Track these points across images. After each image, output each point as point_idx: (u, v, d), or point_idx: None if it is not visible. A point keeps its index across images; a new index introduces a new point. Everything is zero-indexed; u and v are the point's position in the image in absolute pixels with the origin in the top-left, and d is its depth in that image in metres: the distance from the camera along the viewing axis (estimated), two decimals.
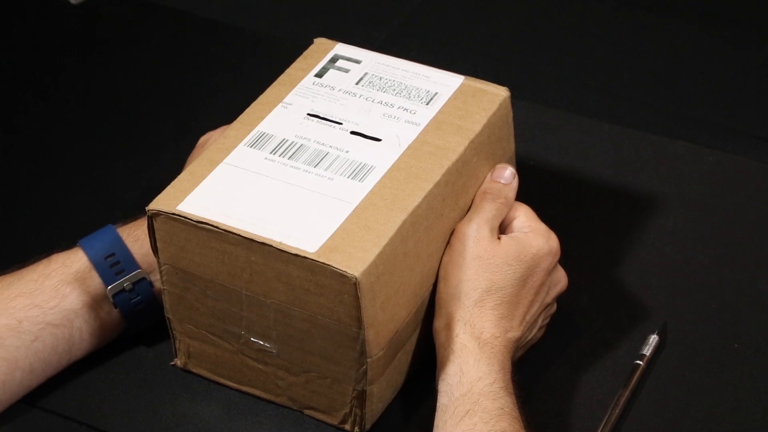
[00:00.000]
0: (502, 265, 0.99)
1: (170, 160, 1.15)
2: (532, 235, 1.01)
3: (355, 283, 0.91)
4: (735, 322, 1.08)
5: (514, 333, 0.99)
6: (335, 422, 1.00)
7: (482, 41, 1.41)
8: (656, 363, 1.05)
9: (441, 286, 0.99)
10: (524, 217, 1.03)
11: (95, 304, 1.02)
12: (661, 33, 1.42)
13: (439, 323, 0.99)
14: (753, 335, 1.07)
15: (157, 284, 1.03)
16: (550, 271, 1.02)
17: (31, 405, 1.03)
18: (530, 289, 1.00)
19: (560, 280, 1.04)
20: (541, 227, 1.02)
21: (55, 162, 1.26)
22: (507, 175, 1.04)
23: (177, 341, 1.03)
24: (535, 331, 1.03)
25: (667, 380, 1.04)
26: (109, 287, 1.02)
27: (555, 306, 1.05)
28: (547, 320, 1.05)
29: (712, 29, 1.42)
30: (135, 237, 1.03)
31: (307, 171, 0.98)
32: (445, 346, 0.97)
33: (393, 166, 0.99)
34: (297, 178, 0.98)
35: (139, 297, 1.03)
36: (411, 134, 1.01)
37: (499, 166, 1.04)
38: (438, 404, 0.96)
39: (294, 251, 0.93)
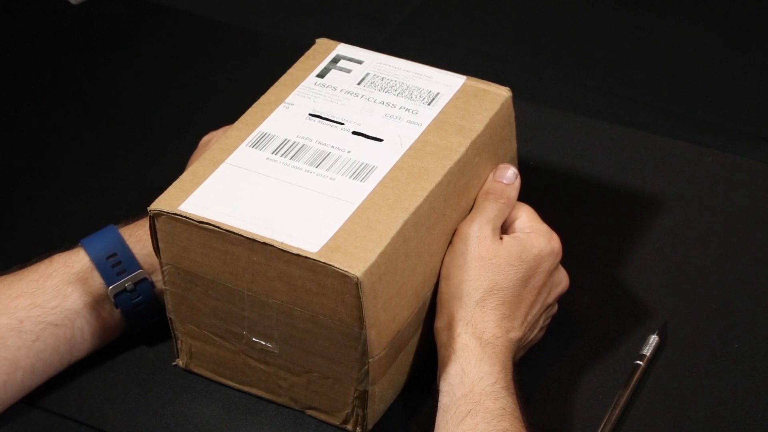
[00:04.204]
0: (504, 265, 0.99)
1: (171, 160, 1.15)
2: (534, 236, 1.01)
3: (356, 283, 0.91)
4: (735, 322, 1.08)
5: (516, 333, 0.99)
6: (337, 422, 1.00)
7: (482, 41, 1.41)
8: (656, 363, 1.05)
9: (442, 285, 0.99)
10: (526, 218, 1.03)
11: (96, 304, 1.02)
12: (661, 33, 1.42)
13: (440, 323, 0.99)
14: (753, 335, 1.07)
15: (159, 285, 1.03)
16: (551, 272, 1.02)
17: (31, 405, 1.03)
18: (532, 289, 1.00)
19: (561, 280, 1.04)
20: (543, 227, 1.02)
21: (55, 162, 1.25)
22: (509, 175, 1.04)
23: (179, 341, 1.03)
24: (536, 331, 1.03)
25: (667, 380, 1.04)
26: (111, 287, 1.02)
27: (556, 306, 1.05)
28: (548, 321, 1.05)
29: (712, 29, 1.42)
30: (137, 237, 1.03)
31: (308, 171, 0.98)
32: (446, 345, 0.97)
33: (395, 166, 0.99)
34: (299, 179, 0.98)
35: (141, 297, 1.03)
36: (413, 134, 1.01)
37: (501, 166, 1.04)
38: (439, 404, 0.96)
39: (296, 251, 0.93)
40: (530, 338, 1.03)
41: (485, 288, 0.98)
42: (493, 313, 0.98)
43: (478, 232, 1.00)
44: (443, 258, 1.00)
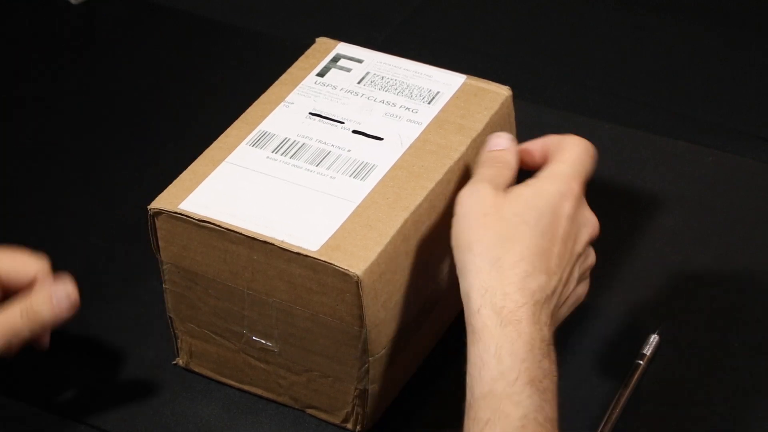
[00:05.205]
0: (512, 216, 0.90)
1: (171, 160, 1.15)
2: (547, 180, 0.92)
3: (357, 282, 0.91)
4: (735, 322, 1.08)
5: (542, 293, 0.88)
6: (337, 421, 1.00)
7: (482, 41, 1.41)
8: (656, 363, 1.05)
9: (454, 255, 0.92)
10: (554, 164, 0.94)
11: None
12: (661, 33, 1.42)
13: (461, 290, 0.91)
14: (753, 335, 1.07)
15: None
16: (573, 217, 0.92)
17: (30, 404, 1.03)
18: (552, 239, 0.90)
19: (587, 223, 0.94)
20: (565, 171, 0.93)
21: (55, 162, 1.25)
22: (502, 142, 0.97)
23: (179, 340, 1.03)
24: (573, 285, 0.93)
25: (667, 380, 1.04)
26: None
27: (592, 255, 0.96)
28: (587, 271, 0.96)
29: (712, 29, 1.42)
30: None
31: (308, 170, 0.98)
32: (468, 320, 0.88)
33: (395, 164, 0.99)
34: (299, 177, 0.98)
35: None
36: (413, 133, 1.01)
37: (492, 135, 0.98)
38: (466, 398, 0.88)
39: (296, 250, 0.93)
40: (569, 293, 0.93)
41: (496, 245, 0.89)
42: (512, 273, 0.88)
43: (476, 192, 0.92)
44: (449, 231, 0.93)
